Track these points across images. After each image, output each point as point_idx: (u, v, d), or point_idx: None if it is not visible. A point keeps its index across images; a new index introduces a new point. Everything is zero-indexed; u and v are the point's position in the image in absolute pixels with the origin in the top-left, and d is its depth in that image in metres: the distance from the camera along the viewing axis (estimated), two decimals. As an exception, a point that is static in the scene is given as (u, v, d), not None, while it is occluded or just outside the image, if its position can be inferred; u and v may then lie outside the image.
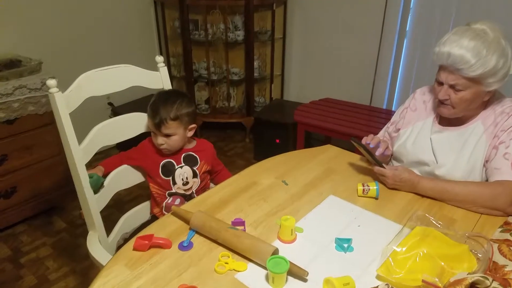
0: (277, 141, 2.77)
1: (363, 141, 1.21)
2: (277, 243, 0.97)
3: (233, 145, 3.16)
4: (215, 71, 3.18)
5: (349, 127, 2.32)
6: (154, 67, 1.43)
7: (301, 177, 1.28)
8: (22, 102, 1.92)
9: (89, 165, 1.23)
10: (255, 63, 3.07)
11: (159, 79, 1.44)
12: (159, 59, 1.43)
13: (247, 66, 3.01)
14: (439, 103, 1.17)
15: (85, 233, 1.27)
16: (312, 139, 2.97)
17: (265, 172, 1.31)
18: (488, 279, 0.69)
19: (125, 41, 2.95)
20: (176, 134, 1.32)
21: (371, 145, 1.20)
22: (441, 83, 1.13)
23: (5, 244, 2.05)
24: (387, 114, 2.51)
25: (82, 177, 1.18)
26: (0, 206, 2.02)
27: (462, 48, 1.04)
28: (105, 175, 1.31)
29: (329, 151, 1.48)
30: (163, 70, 1.44)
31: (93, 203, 1.22)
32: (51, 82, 1.11)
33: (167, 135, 1.31)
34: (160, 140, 1.31)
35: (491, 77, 1.06)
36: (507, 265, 0.80)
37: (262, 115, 2.90)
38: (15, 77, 1.95)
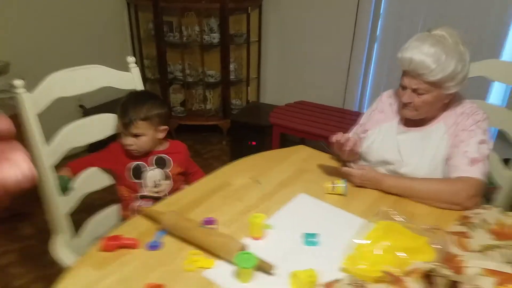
0: (253, 143, 2.79)
1: (333, 139, 1.24)
2: (246, 240, 0.98)
3: (210, 148, 3.15)
4: (191, 74, 3.18)
5: (323, 129, 2.38)
6: (126, 69, 1.42)
7: (274, 176, 1.30)
8: (-12, 105, 1.87)
9: (58, 168, 1.20)
10: (231, 66, 3.09)
11: (131, 79, 1.42)
12: (130, 59, 1.42)
13: (223, 68, 3.02)
14: (403, 106, 1.22)
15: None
16: (288, 141, 3.00)
17: (239, 172, 1.33)
18: (441, 267, 0.73)
19: (98, 43, 2.90)
20: (146, 135, 1.31)
21: (341, 141, 1.23)
22: (404, 87, 1.19)
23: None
24: (358, 116, 2.57)
25: (49, 179, 1.16)
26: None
27: (423, 54, 1.09)
28: (73, 177, 1.29)
29: (302, 151, 1.51)
30: (135, 71, 1.43)
31: (59, 206, 1.20)
32: (18, 83, 1.09)
33: (136, 136, 1.30)
34: (129, 140, 1.30)
35: (451, 81, 1.12)
36: (461, 255, 0.85)
37: (239, 118, 2.91)
38: (-19, 79, 1.89)
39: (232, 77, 3.13)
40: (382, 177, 1.20)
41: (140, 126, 1.28)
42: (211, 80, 3.16)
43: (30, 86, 1.12)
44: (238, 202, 1.16)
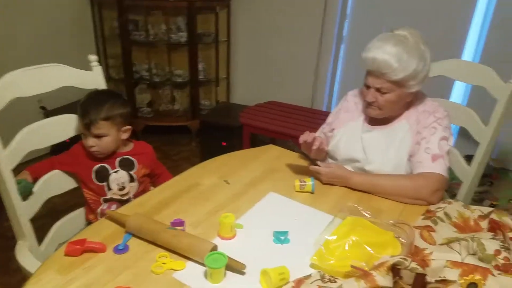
0: (224, 144, 2.77)
1: (300, 139, 1.26)
2: (217, 240, 0.98)
3: (179, 149, 3.11)
4: (158, 73, 3.12)
5: (292, 129, 2.41)
6: (89, 67, 1.37)
7: (243, 176, 1.30)
8: None
9: (17, 172, 1.15)
10: (200, 66, 3.06)
11: (93, 79, 1.37)
12: (92, 58, 1.37)
13: (191, 68, 2.99)
14: (367, 105, 1.25)
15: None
16: (258, 141, 3.02)
17: (208, 173, 1.31)
18: (407, 260, 0.76)
19: (60, 41, 2.79)
20: (108, 135, 1.27)
21: (308, 141, 1.25)
22: (368, 87, 1.22)
23: None
24: (326, 116, 2.63)
25: (8, 183, 1.10)
26: None
27: (385, 54, 1.12)
28: (33, 181, 1.23)
29: (272, 151, 1.51)
30: (97, 70, 1.38)
31: (21, 211, 1.14)
32: (-31, 81, 1.03)
33: (98, 136, 1.25)
34: (91, 141, 1.25)
35: (412, 79, 1.15)
36: (427, 248, 0.88)
37: (208, 118, 2.89)
38: None
39: (200, 77, 3.10)
40: (349, 174, 1.22)
41: (102, 127, 1.24)
42: (179, 80, 3.11)
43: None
44: (207, 203, 1.15)
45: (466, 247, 0.84)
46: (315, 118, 2.59)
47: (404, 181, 1.18)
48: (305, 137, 1.24)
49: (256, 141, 2.94)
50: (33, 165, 1.29)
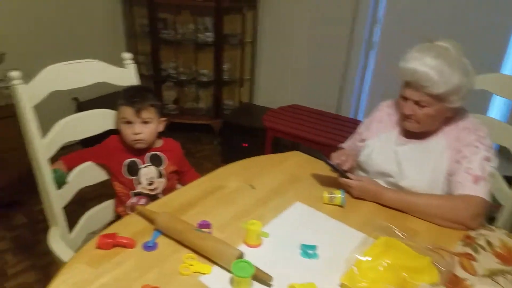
0: (245, 145, 2.78)
1: (334, 159, 1.23)
2: (242, 247, 0.97)
3: (201, 147, 3.13)
4: (184, 72, 3.15)
5: (317, 135, 2.38)
6: (120, 64, 1.39)
7: (267, 182, 1.29)
8: (-17, 94, 1.82)
9: (51, 160, 1.18)
10: (225, 66, 3.08)
11: (127, 76, 1.41)
12: (126, 55, 1.40)
13: (216, 68, 3.01)
14: (404, 118, 1.20)
15: (46, 229, 1.23)
16: (279, 145, 3.01)
17: (233, 175, 1.32)
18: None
19: (92, 36, 2.86)
20: (152, 123, 1.32)
21: (342, 160, 1.22)
22: (406, 99, 1.16)
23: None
24: (354, 124, 2.59)
25: (44, 172, 1.14)
26: (-43, 199, 1.89)
27: (426, 66, 1.07)
28: (67, 171, 1.27)
29: (296, 157, 1.50)
30: (131, 67, 1.42)
31: (55, 199, 1.18)
32: (15, 74, 1.07)
33: (145, 122, 1.30)
34: (138, 128, 1.29)
35: (454, 94, 1.10)
36: (468, 279, 0.83)
37: (231, 118, 2.91)
38: (-25, 67, 1.84)
39: (225, 77, 3.12)
40: (382, 190, 1.17)
41: (150, 112, 1.30)
42: (204, 79, 3.14)
43: (24, 77, 1.09)
44: (232, 206, 1.15)
45: (510, 281, 0.79)
46: (340, 124, 2.55)
47: (442, 201, 1.11)
48: (339, 157, 1.22)
49: (277, 145, 2.94)
50: (67, 156, 1.33)
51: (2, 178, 2.06)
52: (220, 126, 3.07)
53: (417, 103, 1.14)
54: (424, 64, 1.08)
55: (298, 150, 1.56)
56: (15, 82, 1.07)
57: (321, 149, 2.28)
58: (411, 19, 2.44)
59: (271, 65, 3.18)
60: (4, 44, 2.11)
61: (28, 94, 1.09)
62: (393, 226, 0.99)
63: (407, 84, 1.15)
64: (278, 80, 3.19)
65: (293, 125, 2.51)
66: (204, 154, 3.05)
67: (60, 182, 1.20)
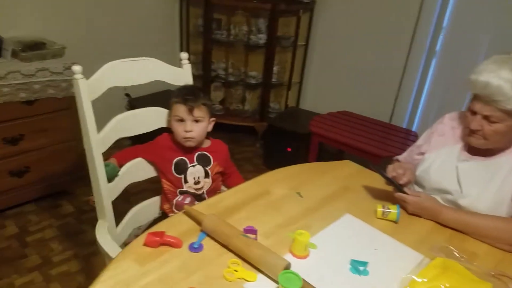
0: (289, 149, 2.74)
1: (390, 172, 1.17)
2: (289, 257, 0.94)
3: (242, 149, 3.13)
4: (233, 73, 3.17)
5: (366, 144, 2.28)
6: (173, 62, 1.41)
7: (316, 191, 1.25)
8: (43, 85, 1.92)
9: (104, 155, 1.21)
10: (274, 69, 3.05)
11: (182, 75, 1.42)
12: (184, 55, 1.42)
13: (266, 70, 2.99)
14: (470, 133, 1.14)
15: (91, 219, 1.27)
16: (324, 151, 2.94)
17: (279, 182, 1.29)
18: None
19: (147, 34, 2.94)
20: (204, 121, 1.33)
21: (399, 173, 1.16)
22: (474, 113, 1.10)
23: (13, 221, 2.07)
24: (407, 134, 2.47)
25: (97, 165, 1.17)
26: (12, 184, 2.04)
27: (500, 79, 1.01)
28: (119, 166, 1.30)
29: (347, 166, 1.44)
30: (187, 67, 1.43)
31: (106, 192, 1.21)
32: (77, 68, 1.10)
33: (197, 121, 1.32)
34: (189, 126, 1.31)
35: None
36: None
37: (276, 122, 2.88)
38: (38, 59, 1.95)
39: (273, 79, 3.09)
40: (440, 208, 1.11)
41: (202, 110, 1.32)
42: (252, 81, 3.14)
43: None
44: (278, 214, 1.12)
45: None
46: (393, 134, 2.43)
47: (505, 224, 1.05)
48: (396, 170, 1.16)
49: (322, 151, 2.87)
50: (119, 152, 1.37)
51: (55, 167, 2.17)
52: (264, 129, 3.05)
53: (486, 118, 1.08)
54: (498, 77, 1.01)
55: (343, 158, 1.49)
56: (76, 76, 1.10)
57: (369, 158, 2.18)
58: (477, 30, 2.27)
59: (322, 69, 3.12)
60: (64, 38, 2.22)
61: (88, 89, 1.12)
62: (451, 247, 0.95)
63: (477, 97, 1.08)
64: (328, 85, 3.12)
65: (341, 131, 2.43)
66: (245, 155, 3.05)
67: (112, 175, 1.23)
